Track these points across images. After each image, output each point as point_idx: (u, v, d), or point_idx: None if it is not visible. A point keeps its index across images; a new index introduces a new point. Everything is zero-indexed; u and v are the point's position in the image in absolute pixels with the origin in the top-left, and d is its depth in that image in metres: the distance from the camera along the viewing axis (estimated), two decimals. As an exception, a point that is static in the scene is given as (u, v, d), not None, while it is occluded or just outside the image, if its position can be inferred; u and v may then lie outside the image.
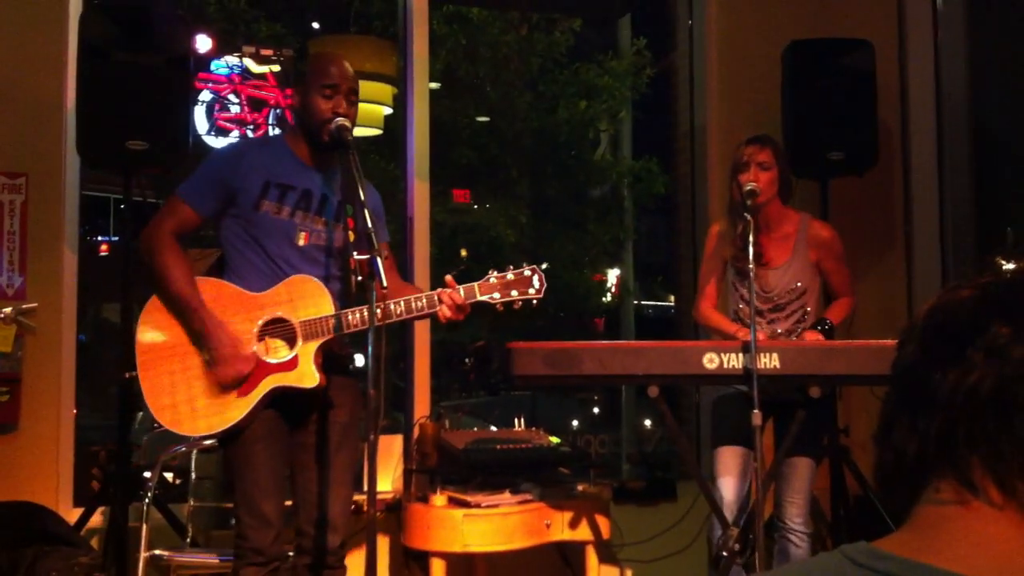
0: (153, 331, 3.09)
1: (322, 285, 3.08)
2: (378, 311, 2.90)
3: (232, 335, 3.03)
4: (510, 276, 3.11)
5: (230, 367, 3.00)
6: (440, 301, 3.05)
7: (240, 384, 3.02)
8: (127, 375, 3.71)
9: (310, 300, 3.06)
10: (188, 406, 3.03)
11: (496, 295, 3.09)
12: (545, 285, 3.14)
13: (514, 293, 3.10)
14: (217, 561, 3.72)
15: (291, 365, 3.04)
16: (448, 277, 3.10)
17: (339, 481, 3.17)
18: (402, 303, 3.04)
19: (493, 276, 3.11)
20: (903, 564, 0.81)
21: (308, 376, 3.03)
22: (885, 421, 0.90)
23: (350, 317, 3.03)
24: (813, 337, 3.59)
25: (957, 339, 0.86)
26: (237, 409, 3.02)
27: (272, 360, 3.05)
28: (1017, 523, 0.81)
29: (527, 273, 3.12)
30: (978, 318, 0.86)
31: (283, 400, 3.08)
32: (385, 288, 2.81)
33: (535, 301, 3.14)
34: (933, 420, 0.85)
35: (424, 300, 3.06)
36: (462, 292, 3.06)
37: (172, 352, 3.07)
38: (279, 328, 3.06)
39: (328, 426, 3.16)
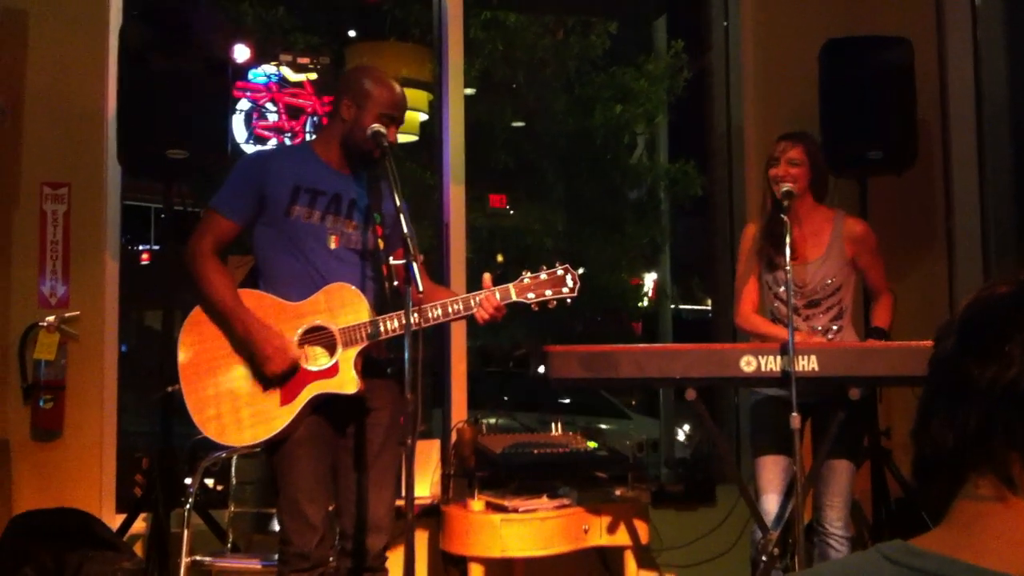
0: (195, 345, 3.13)
1: (359, 292, 3.09)
2: (415, 316, 2.92)
3: (275, 332, 3.06)
4: (543, 276, 3.14)
5: (277, 362, 3.03)
6: (476, 303, 3.07)
7: (287, 379, 3.05)
8: (169, 389, 3.75)
9: (349, 307, 3.08)
10: (233, 417, 3.07)
11: (531, 295, 3.12)
12: (579, 283, 3.17)
13: (548, 292, 3.14)
14: (260, 566, 3.75)
15: (332, 372, 3.06)
16: (486, 276, 3.13)
17: (382, 483, 3.19)
18: (439, 307, 3.06)
19: (527, 276, 3.14)
20: (941, 561, 0.80)
21: (349, 382, 3.06)
22: (923, 416, 0.90)
23: (388, 323, 3.05)
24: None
25: (995, 335, 0.85)
26: (280, 418, 3.04)
27: (313, 368, 3.07)
28: None
29: (560, 272, 3.15)
30: (1017, 314, 0.86)
31: (326, 406, 3.10)
32: (421, 293, 2.82)
33: (569, 300, 3.17)
34: (971, 415, 0.84)
35: (460, 303, 3.08)
36: (498, 294, 3.09)
37: (215, 364, 3.10)
38: (319, 336, 3.08)
39: (369, 429, 3.18)
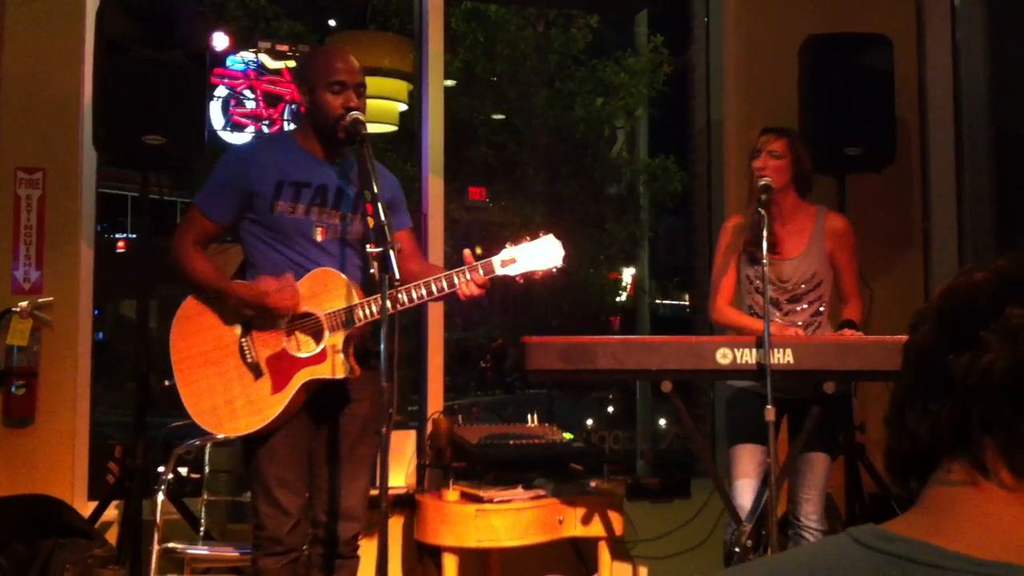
0: (185, 339, 3.13)
1: (343, 276, 3.07)
2: (403, 296, 2.94)
3: (267, 280, 3.04)
4: (527, 248, 3.03)
5: (282, 299, 3.02)
6: (460, 280, 3.01)
7: (278, 367, 3.04)
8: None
9: (334, 292, 3.06)
10: (227, 408, 3.07)
11: (515, 268, 3.02)
12: (564, 252, 3.04)
13: (533, 264, 3.03)
14: (236, 554, 3.74)
15: (320, 358, 3.05)
16: (466, 252, 3.04)
17: (357, 473, 3.18)
18: (422, 286, 3.02)
19: (511, 249, 3.04)
20: (912, 545, 0.80)
21: (338, 367, 3.04)
22: (897, 403, 0.89)
23: (364, 309, 3.03)
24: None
25: (971, 321, 0.85)
26: (273, 406, 3.04)
27: (302, 354, 3.06)
28: None
29: (545, 243, 3.04)
30: (993, 300, 0.86)
31: (311, 394, 3.09)
32: (398, 281, 2.80)
33: (555, 269, 3.06)
34: (946, 402, 0.84)
35: (444, 281, 3.02)
36: (480, 269, 3.01)
37: (207, 357, 3.10)
38: (306, 323, 3.07)
39: (348, 420, 3.18)
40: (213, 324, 3.12)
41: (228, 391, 3.07)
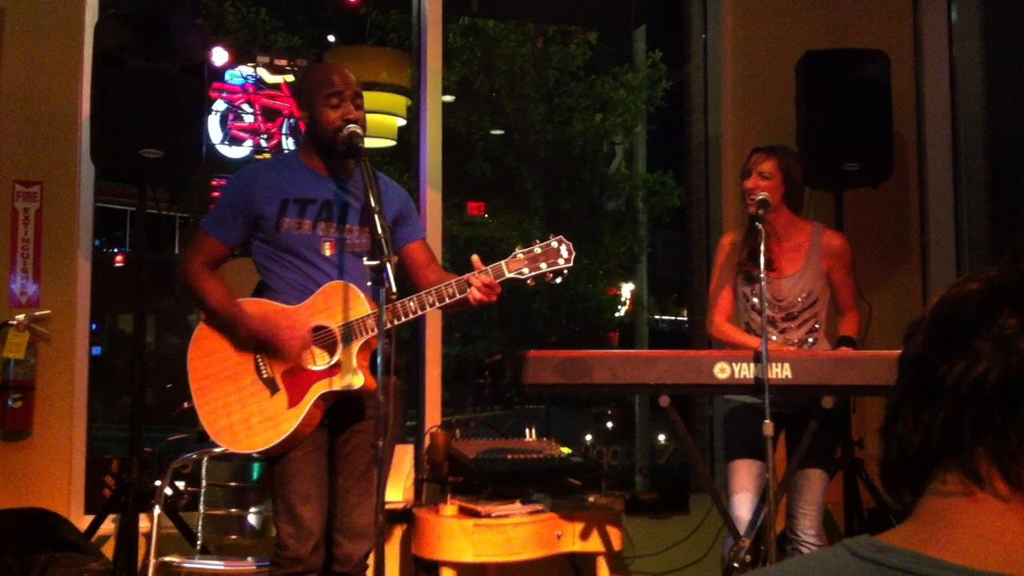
0: (203, 358, 3.14)
1: (355, 288, 3.08)
2: (413, 307, 2.96)
3: (283, 315, 3.05)
4: (537, 250, 3.03)
5: (294, 342, 3.02)
6: (470, 284, 3.01)
7: (293, 381, 3.04)
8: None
9: (346, 304, 3.07)
10: (244, 425, 3.07)
11: (525, 270, 3.02)
12: (574, 253, 3.04)
13: (543, 266, 3.02)
14: (233, 568, 3.73)
15: (334, 370, 3.05)
16: (474, 257, 3.04)
17: (370, 491, 3.15)
18: (433, 292, 3.02)
19: (520, 252, 3.04)
20: (907, 556, 0.80)
21: (353, 379, 3.04)
22: (891, 413, 0.89)
23: (366, 321, 3.03)
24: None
25: (964, 330, 0.85)
26: (289, 421, 3.03)
27: (317, 367, 3.06)
28: (1023, 515, 0.80)
29: (554, 244, 3.04)
30: (985, 309, 0.85)
31: (329, 408, 3.09)
32: (395, 294, 2.80)
33: (566, 271, 3.04)
34: (939, 410, 0.84)
35: (454, 286, 3.02)
36: (490, 272, 3.01)
37: (223, 375, 3.11)
38: (320, 336, 3.07)
39: (362, 437, 3.17)
40: (229, 342, 3.13)
41: (245, 407, 3.07)
